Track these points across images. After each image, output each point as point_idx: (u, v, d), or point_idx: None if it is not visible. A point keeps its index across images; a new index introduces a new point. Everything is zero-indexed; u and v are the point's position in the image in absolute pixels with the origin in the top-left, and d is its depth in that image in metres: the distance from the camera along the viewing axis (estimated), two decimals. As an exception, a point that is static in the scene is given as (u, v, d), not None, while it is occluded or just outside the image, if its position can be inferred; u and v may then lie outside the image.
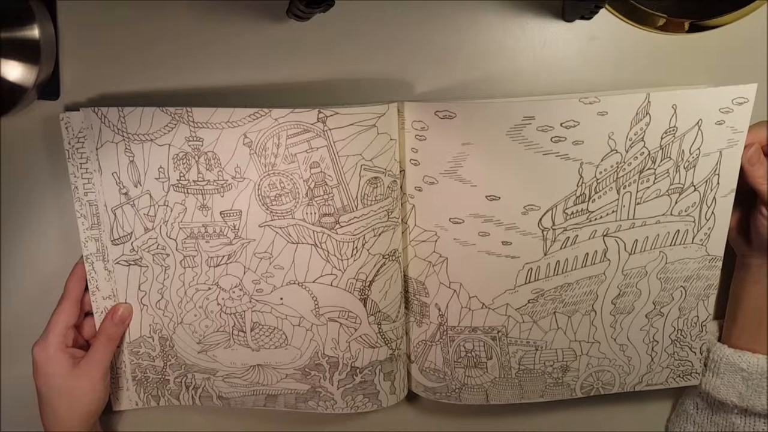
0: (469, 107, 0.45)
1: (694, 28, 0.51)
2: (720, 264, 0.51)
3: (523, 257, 0.49)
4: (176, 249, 0.50)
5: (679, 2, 0.50)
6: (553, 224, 0.48)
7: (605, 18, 0.51)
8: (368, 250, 0.49)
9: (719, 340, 0.54)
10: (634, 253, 0.50)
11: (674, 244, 0.50)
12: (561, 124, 0.45)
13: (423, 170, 0.48)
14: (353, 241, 0.48)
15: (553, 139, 0.46)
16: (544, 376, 0.53)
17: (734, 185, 0.48)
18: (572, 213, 0.48)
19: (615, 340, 0.53)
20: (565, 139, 0.46)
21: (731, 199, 0.49)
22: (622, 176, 0.47)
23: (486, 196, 0.47)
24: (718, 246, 0.50)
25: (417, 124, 0.47)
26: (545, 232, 0.48)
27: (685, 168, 0.47)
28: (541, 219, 0.48)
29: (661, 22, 0.50)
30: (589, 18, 0.48)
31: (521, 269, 0.49)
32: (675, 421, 0.57)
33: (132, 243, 0.50)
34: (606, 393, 0.54)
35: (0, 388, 0.56)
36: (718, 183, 0.48)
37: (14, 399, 0.56)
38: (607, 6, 0.50)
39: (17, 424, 0.56)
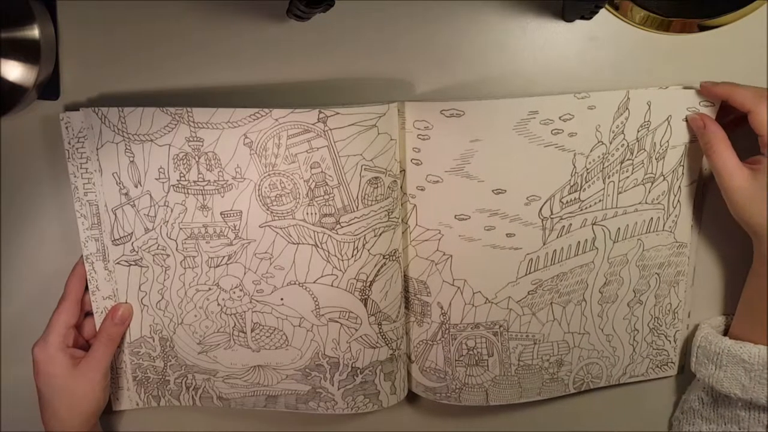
0: (477, 105, 0.47)
1: (694, 28, 0.51)
2: (686, 251, 0.54)
3: (525, 248, 0.50)
4: (176, 249, 0.50)
5: (679, 2, 0.50)
6: (551, 213, 0.50)
7: (605, 18, 0.51)
8: (369, 250, 0.49)
9: (725, 333, 0.54)
10: (617, 241, 0.52)
11: (649, 232, 0.53)
12: (560, 118, 0.47)
13: (426, 169, 0.48)
14: (354, 242, 0.48)
15: (553, 132, 0.48)
16: (541, 372, 0.54)
17: (696, 176, 0.52)
18: (567, 202, 0.50)
19: (602, 330, 0.54)
20: (563, 131, 0.48)
21: (694, 188, 0.52)
22: (607, 166, 0.50)
23: (493, 191, 0.48)
24: (684, 233, 0.53)
25: (419, 124, 0.47)
26: (545, 222, 0.50)
27: (656, 159, 0.50)
28: (541, 209, 0.49)
29: (661, 22, 0.50)
30: (589, 18, 0.48)
31: (522, 260, 0.50)
32: (682, 419, 0.57)
33: (132, 243, 0.50)
34: (595, 387, 0.56)
35: (0, 388, 0.56)
36: (683, 173, 0.51)
37: (14, 399, 0.56)
38: (606, 6, 0.50)
39: (17, 424, 0.56)
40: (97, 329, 0.51)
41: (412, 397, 0.57)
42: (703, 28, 0.51)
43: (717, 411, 0.53)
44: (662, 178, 0.51)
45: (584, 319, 0.54)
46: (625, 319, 0.54)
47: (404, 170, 0.49)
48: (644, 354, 0.56)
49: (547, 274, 0.51)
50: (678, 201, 0.52)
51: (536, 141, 0.48)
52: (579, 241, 0.51)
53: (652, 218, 0.52)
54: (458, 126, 0.47)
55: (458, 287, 0.51)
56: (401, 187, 0.50)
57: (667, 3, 0.50)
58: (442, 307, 0.51)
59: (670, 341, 0.56)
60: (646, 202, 0.52)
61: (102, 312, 0.51)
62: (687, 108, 0.49)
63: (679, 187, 0.52)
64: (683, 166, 0.51)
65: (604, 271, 0.52)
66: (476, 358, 0.53)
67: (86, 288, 0.51)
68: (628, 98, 0.48)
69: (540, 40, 0.51)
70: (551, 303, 0.52)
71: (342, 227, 0.48)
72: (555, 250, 0.51)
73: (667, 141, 0.50)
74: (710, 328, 0.54)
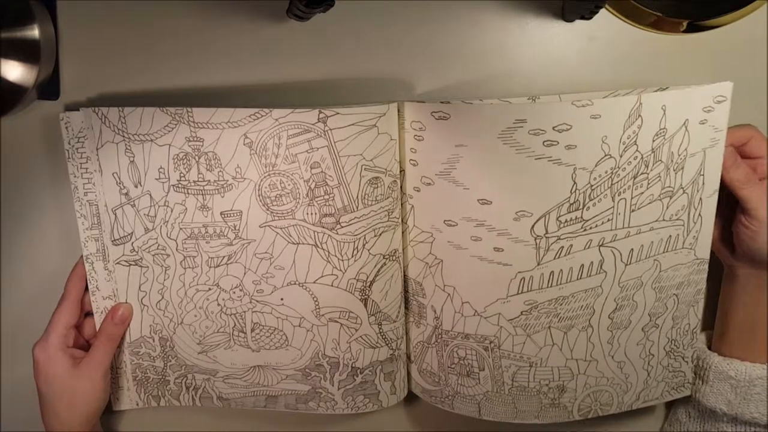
0: (461, 109, 0.45)
1: (694, 28, 0.51)
2: (706, 267, 0.50)
3: (516, 265, 0.47)
4: (176, 249, 0.50)
5: (679, 2, 0.50)
6: (546, 232, 0.46)
7: (605, 18, 0.51)
8: (369, 250, 0.49)
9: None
10: (630, 263, 0.48)
11: (667, 251, 0.48)
12: (553, 128, 0.43)
13: (421, 171, 0.48)
14: (354, 242, 0.48)
15: (545, 143, 0.44)
16: (539, 396, 0.51)
17: (717, 185, 0.47)
18: (566, 221, 0.46)
19: (613, 357, 0.51)
20: (558, 143, 0.44)
21: (715, 199, 0.48)
22: (617, 182, 0.45)
23: (478, 200, 0.46)
24: (704, 248, 0.49)
25: (415, 125, 0.47)
26: (538, 240, 0.46)
27: (674, 170, 0.46)
28: (533, 226, 0.46)
29: (661, 22, 0.50)
30: (589, 18, 0.48)
31: (513, 278, 0.47)
32: (668, 430, 0.57)
33: (132, 243, 0.50)
34: (604, 414, 0.52)
35: (0, 388, 0.56)
36: (703, 183, 0.47)
37: (14, 399, 0.56)
38: (606, 6, 0.50)
39: (17, 424, 0.56)
40: (97, 329, 0.51)
41: (412, 398, 0.57)
42: (702, 28, 0.51)
43: (703, 426, 0.53)
44: (681, 191, 0.47)
45: (591, 345, 0.50)
46: (639, 345, 0.50)
47: (404, 170, 0.49)
48: (659, 378, 0.52)
49: (543, 297, 0.48)
50: (699, 215, 0.48)
51: (524, 152, 0.44)
52: (583, 264, 0.47)
53: (670, 236, 0.48)
54: (446, 129, 0.45)
55: (449, 294, 0.49)
56: (401, 187, 0.50)
57: (667, 3, 0.50)
58: (435, 311, 0.51)
59: (687, 362, 0.52)
60: (664, 219, 0.47)
61: (102, 312, 0.51)
62: (703, 108, 0.45)
63: (700, 199, 0.47)
64: (703, 175, 0.47)
65: (614, 295, 0.48)
66: (467, 368, 0.51)
67: (86, 288, 0.51)
68: (640, 103, 0.43)
69: (540, 40, 0.51)
70: (549, 327, 0.49)
71: (342, 227, 0.48)
72: (552, 272, 0.47)
73: (686, 149, 0.45)
74: (700, 344, 0.54)
